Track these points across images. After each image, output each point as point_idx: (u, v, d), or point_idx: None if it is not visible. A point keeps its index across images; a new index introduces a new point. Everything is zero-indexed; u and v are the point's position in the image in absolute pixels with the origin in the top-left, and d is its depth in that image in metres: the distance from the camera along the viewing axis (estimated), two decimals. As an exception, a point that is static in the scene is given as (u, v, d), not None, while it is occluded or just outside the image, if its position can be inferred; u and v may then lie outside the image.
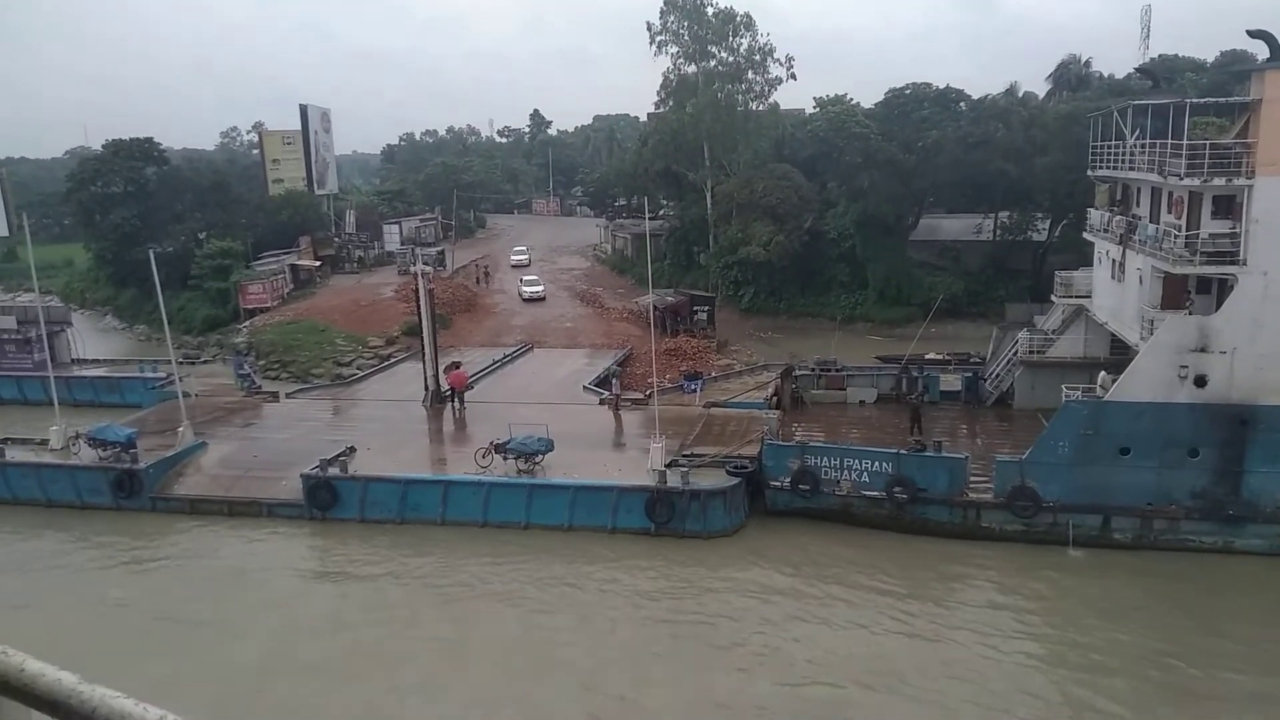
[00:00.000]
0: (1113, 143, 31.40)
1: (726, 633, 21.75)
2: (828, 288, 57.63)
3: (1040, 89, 68.95)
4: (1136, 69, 56.21)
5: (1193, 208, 26.10)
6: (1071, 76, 67.79)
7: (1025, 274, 54.82)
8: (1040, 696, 19.17)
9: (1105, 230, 32.12)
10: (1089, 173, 34.27)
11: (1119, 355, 31.34)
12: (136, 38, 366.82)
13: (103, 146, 69.81)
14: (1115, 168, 31.16)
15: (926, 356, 38.19)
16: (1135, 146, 29.19)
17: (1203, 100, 29.28)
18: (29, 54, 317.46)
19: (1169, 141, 26.40)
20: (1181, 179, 25.22)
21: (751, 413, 33.38)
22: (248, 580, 25.50)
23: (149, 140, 68.69)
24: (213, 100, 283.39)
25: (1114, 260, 30.74)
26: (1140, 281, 27.99)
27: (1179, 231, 26.03)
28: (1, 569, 27.07)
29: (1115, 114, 30.82)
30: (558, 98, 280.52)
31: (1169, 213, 27.57)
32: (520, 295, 59.82)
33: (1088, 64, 69.04)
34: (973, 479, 26.99)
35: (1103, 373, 28.05)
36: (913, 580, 24.10)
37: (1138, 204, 30.77)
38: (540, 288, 60.10)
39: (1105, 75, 66.83)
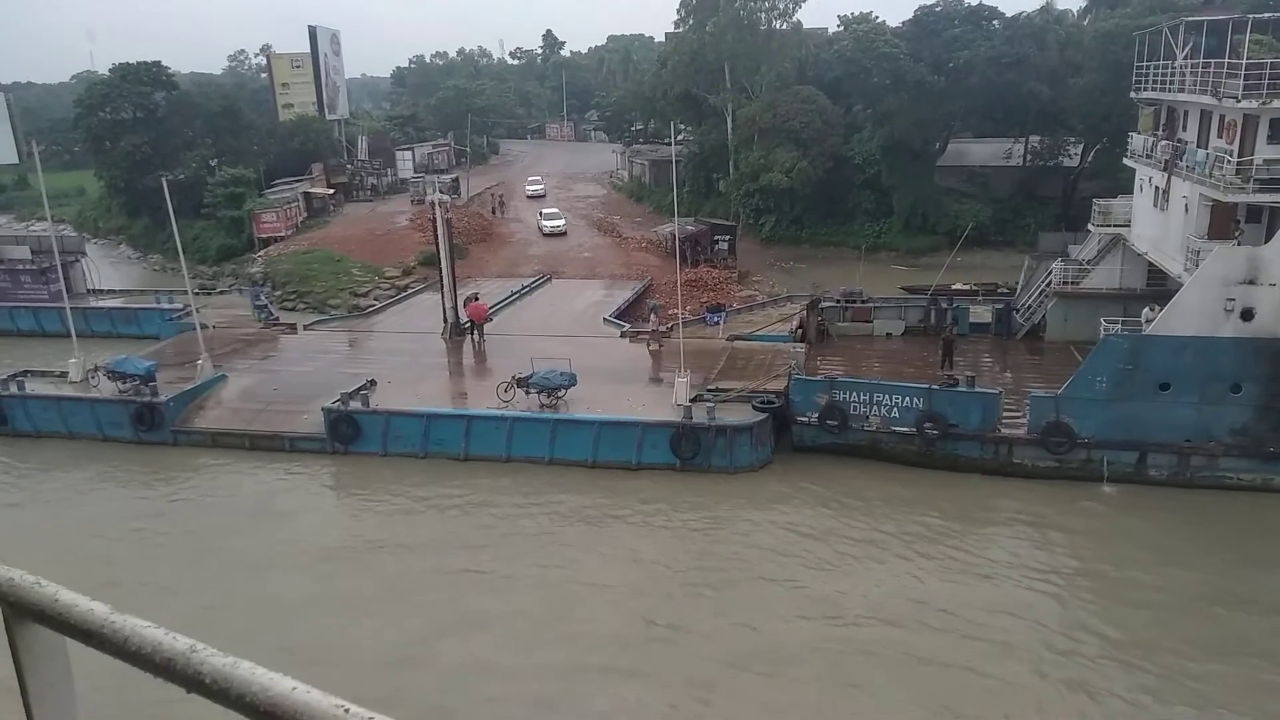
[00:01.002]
0: (1160, 62, 29.90)
1: (765, 570, 21.46)
2: (851, 216, 56.16)
3: (1074, 4, 66.15)
4: (1180, -18, 53.50)
5: (1247, 132, 24.85)
6: (1109, -9, 64.70)
7: (1055, 201, 53.31)
8: (1103, 633, 18.77)
9: (1148, 156, 30.82)
10: (1132, 95, 32.77)
11: (1156, 286, 30.41)
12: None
13: (110, 70, 68.33)
14: (1162, 89, 29.72)
15: (954, 287, 37.24)
16: (1185, 66, 27.75)
17: (1265, 16, 27.60)
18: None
19: (1225, 61, 25.03)
20: (1238, 101, 23.95)
21: (776, 346, 32.77)
22: (272, 514, 25.44)
23: (157, 64, 67.17)
24: (217, 20, 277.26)
25: (1157, 188, 29.53)
26: (1186, 210, 26.88)
27: (1231, 157, 24.84)
28: (27, 500, 27.20)
29: (1165, 31, 29.25)
30: (569, 7, 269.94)
31: (1219, 137, 26.28)
32: (540, 230, 58.09)
33: (1126, -23, 65.87)
34: (1005, 414, 26.44)
35: (1146, 310, 27.12)
36: (948, 517, 23.71)
37: (1184, 128, 29.39)
38: (561, 222, 58.33)
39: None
